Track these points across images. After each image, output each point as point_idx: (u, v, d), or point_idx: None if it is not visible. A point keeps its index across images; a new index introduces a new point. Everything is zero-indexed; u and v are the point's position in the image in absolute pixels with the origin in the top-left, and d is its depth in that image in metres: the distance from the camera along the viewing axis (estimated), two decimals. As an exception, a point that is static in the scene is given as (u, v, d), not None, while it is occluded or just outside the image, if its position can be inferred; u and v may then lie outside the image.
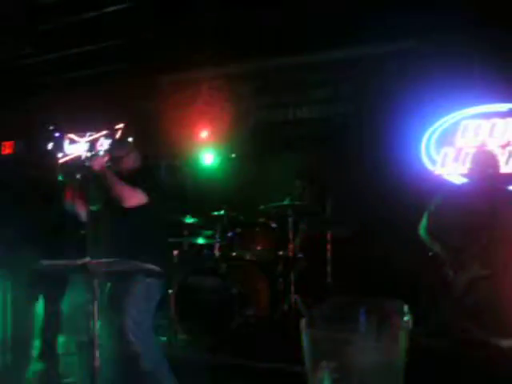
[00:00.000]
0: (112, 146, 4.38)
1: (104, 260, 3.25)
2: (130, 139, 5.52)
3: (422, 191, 5.78)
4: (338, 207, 6.11)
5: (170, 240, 6.00)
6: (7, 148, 6.83)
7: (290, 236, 5.83)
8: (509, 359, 3.71)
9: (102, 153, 4.07)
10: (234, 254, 5.95)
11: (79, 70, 7.27)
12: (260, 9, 6.08)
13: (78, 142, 7.24)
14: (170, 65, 7.34)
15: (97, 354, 3.25)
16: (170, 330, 5.45)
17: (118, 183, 3.76)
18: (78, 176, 3.90)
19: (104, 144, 6.72)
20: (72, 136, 7.25)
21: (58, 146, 6.03)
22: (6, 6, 5.87)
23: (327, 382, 2.64)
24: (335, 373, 2.57)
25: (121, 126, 6.74)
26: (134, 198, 3.76)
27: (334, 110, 7.26)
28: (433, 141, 6.53)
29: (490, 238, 4.25)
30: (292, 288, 5.65)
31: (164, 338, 5.37)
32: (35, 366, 4.74)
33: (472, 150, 6.24)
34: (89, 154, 4.01)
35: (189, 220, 6.14)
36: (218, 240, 5.96)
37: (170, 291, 5.52)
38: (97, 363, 3.23)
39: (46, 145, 5.70)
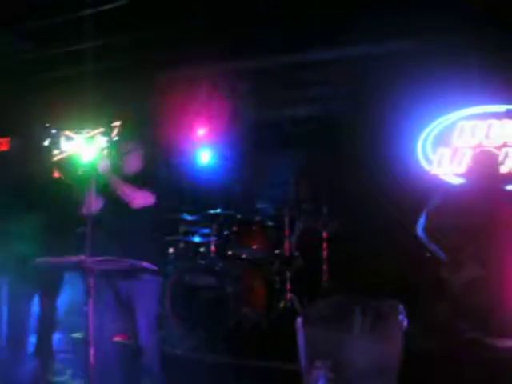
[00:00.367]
0: (118, 143, 4.34)
1: (100, 258, 3.24)
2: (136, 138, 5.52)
3: (418, 191, 5.80)
4: (334, 206, 6.11)
5: (167, 238, 6.03)
6: (3, 144, 6.81)
7: (286, 234, 5.84)
8: (504, 359, 3.72)
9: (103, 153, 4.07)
10: (230, 252, 5.95)
11: (76, 66, 7.24)
12: (258, 6, 6.07)
13: (74, 139, 7.21)
14: (167, 62, 7.32)
15: (92, 351, 3.25)
16: (165, 327, 5.44)
17: (126, 185, 3.78)
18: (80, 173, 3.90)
19: (100, 141, 6.69)
20: (68, 133, 7.22)
21: (55, 143, 6.02)
22: (3, 2, 5.86)
23: (322, 380, 2.65)
24: (330, 372, 2.58)
25: (118, 123, 6.72)
26: (141, 199, 3.80)
27: (331, 108, 7.25)
28: (429, 141, 6.54)
29: (487, 239, 4.26)
30: (288, 287, 5.66)
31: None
32: (30, 363, 4.73)
33: (468, 151, 6.27)
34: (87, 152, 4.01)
35: (185, 218, 6.14)
36: (215, 238, 5.96)
37: (164, 289, 5.52)
38: (92, 361, 3.24)
39: (41, 141, 5.68)
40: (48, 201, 4.63)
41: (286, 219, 5.82)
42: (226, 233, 6.08)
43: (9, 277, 4.73)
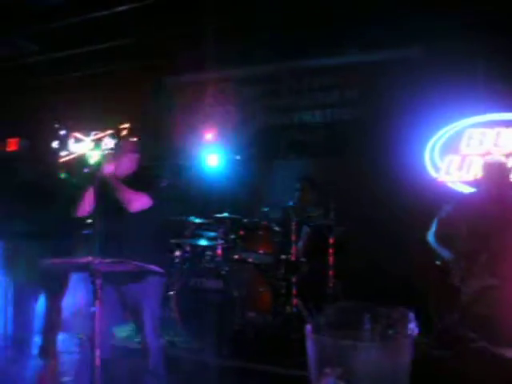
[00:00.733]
0: (117, 143, 4.33)
1: (107, 260, 3.24)
2: (135, 139, 5.50)
3: (426, 198, 5.79)
4: (341, 212, 6.09)
5: (173, 241, 6.02)
6: (12, 145, 6.83)
7: (293, 240, 5.82)
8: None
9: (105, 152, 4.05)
10: (236, 256, 5.93)
11: (86, 69, 7.27)
12: (266, 12, 6.07)
13: (83, 140, 7.23)
14: (177, 66, 7.33)
15: (97, 352, 3.24)
16: (171, 330, 5.44)
17: (124, 189, 3.77)
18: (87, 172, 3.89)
19: (109, 143, 6.71)
20: (77, 134, 7.24)
21: (63, 144, 6.04)
22: (10, 4, 5.87)
23: (332, 388, 2.64)
24: (340, 379, 2.57)
25: (126, 125, 6.73)
26: (139, 202, 3.79)
27: (339, 115, 7.26)
28: (437, 148, 6.52)
29: (499, 248, 4.25)
30: (294, 292, 5.65)
31: (165, 339, 5.36)
32: (35, 363, 4.73)
33: (476, 159, 6.25)
34: (94, 153, 4.00)
35: (192, 221, 6.13)
36: (221, 242, 5.95)
37: (172, 292, 5.52)
38: (97, 362, 3.23)
39: (50, 142, 5.69)
40: (54, 201, 4.63)
41: (293, 224, 5.80)
42: (232, 237, 6.06)
43: (15, 277, 4.74)
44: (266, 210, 6.15)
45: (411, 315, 2.89)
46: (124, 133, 7.02)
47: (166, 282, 5.26)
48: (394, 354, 2.69)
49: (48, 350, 4.87)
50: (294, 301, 5.63)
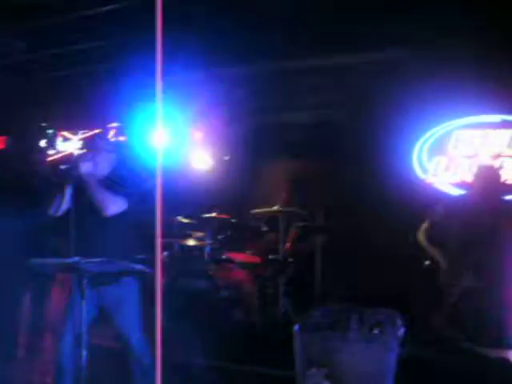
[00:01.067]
0: (94, 141, 4.25)
1: (94, 260, 3.23)
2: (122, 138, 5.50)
3: (414, 199, 5.82)
4: (329, 212, 6.11)
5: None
6: (-1, 143, 6.79)
7: (281, 240, 5.83)
8: (497, 369, 3.73)
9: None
10: (224, 256, 5.94)
11: (73, 67, 7.22)
12: (255, 13, 6.06)
13: (71, 139, 7.19)
14: (165, 66, 7.31)
15: (84, 353, 3.24)
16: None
17: (100, 191, 3.74)
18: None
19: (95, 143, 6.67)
20: (65, 133, 7.20)
21: (51, 143, 6.00)
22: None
23: (318, 388, 2.64)
24: (326, 379, 2.57)
25: (114, 124, 6.71)
26: (114, 206, 3.75)
27: (327, 116, 7.26)
28: (425, 149, 6.55)
29: (488, 250, 4.29)
30: (281, 292, 5.66)
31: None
32: (20, 364, 4.71)
33: (464, 160, 6.29)
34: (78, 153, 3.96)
35: (180, 221, 6.12)
36: (209, 242, 5.94)
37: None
38: (84, 362, 3.23)
39: (37, 141, 5.66)
40: (39, 200, 4.60)
41: (281, 225, 5.81)
42: (220, 237, 6.06)
43: (0, 278, 4.71)
44: (254, 210, 6.15)
45: (398, 316, 2.90)
46: (112, 132, 7.00)
47: (150, 282, 5.24)
48: (380, 354, 2.71)
49: (33, 350, 4.84)
50: (282, 301, 5.64)
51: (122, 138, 4.59)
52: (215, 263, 5.79)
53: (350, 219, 6.23)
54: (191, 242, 6.09)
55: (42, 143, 5.46)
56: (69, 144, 7.02)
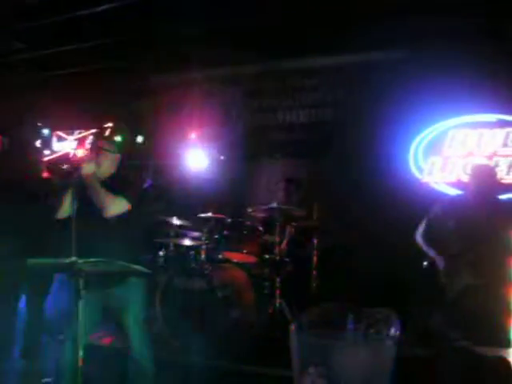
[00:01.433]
0: (97, 143, 4.25)
1: (92, 260, 3.23)
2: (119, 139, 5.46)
3: (410, 199, 5.84)
4: (325, 213, 6.12)
5: (157, 241, 6.00)
6: (-5, 143, 6.77)
7: (277, 240, 5.84)
8: (495, 368, 3.74)
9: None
10: (220, 256, 5.94)
11: (70, 67, 7.22)
12: (250, 14, 6.07)
13: (66, 139, 7.18)
14: (161, 66, 7.31)
15: (80, 353, 3.23)
16: (155, 330, 5.41)
17: (102, 192, 3.74)
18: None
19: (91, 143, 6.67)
20: (60, 133, 7.20)
21: (46, 143, 5.99)
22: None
23: (315, 387, 2.65)
24: (323, 379, 2.58)
25: (110, 124, 6.68)
26: (117, 207, 3.76)
27: (323, 115, 7.28)
28: (420, 149, 6.57)
29: (484, 249, 4.31)
30: (277, 292, 5.66)
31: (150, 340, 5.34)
32: (17, 365, 4.70)
33: (459, 160, 6.31)
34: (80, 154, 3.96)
35: (176, 221, 6.12)
36: (205, 242, 5.93)
37: (154, 292, 5.50)
38: (80, 363, 3.22)
39: (33, 141, 5.64)
40: (35, 201, 4.60)
41: (277, 224, 5.82)
42: (216, 237, 6.06)
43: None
44: (250, 210, 6.15)
45: (394, 315, 2.91)
46: (108, 132, 6.98)
47: (150, 283, 5.25)
48: (377, 353, 2.72)
49: (30, 350, 4.83)
50: (278, 301, 5.64)
51: (119, 139, 4.56)
52: (211, 263, 5.79)
53: (346, 218, 6.24)
54: (187, 242, 6.09)
55: (37, 143, 5.45)
56: (64, 144, 7.03)
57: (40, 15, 6.17)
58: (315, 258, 6.05)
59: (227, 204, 6.52)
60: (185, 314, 5.31)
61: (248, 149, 7.28)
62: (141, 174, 6.15)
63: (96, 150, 3.94)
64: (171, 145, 7.24)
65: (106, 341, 5.22)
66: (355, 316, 2.84)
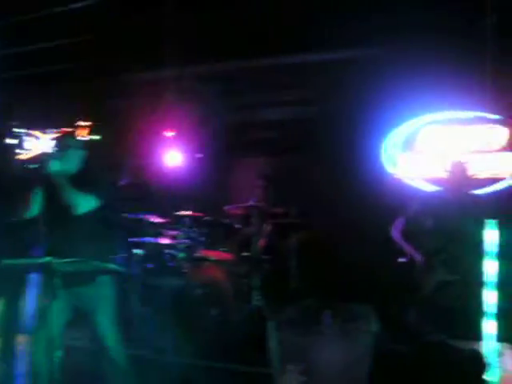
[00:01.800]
0: (62, 140, 4.20)
1: (66, 260, 3.20)
2: (96, 137, 5.45)
3: (387, 194, 5.87)
4: (303, 209, 6.15)
5: (134, 239, 5.97)
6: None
7: (254, 237, 5.85)
8: (470, 361, 3.80)
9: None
10: (198, 254, 5.93)
11: (44, 66, 7.14)
12: (228, 10, 6.06)
13: (41, 138, 7.10)
14: (135, 64, 7.26)
15: (58, 354, 3.21)
16: (133, 329, 5.39)
17: (70, 189, 3.71)
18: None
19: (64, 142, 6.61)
20: (35, 132, 7.11)
21: (20, 142, 5.92)
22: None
23: (294, 384, 2.66)
24: (302, 375, 2.59)
25: (84, 123, 6.65)
26: (85, 204, 3.73)
27: (300, 113, 7.30)
28: (395, 145, 6.60)
29: (460, 245, 4.37)
30: (256, 289, 5.67)
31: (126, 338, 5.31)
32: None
33: (432, 156, 6.36)
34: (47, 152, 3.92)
35: (153, 219, 6.09)
36: (182, 240, 5.92)
37: (131, 290, 5.47)
38: (58, 363, 3.20)
39: (6, 140, 5.58)
40: (9, 200, 4.53)
41: (255, 222, 5.83)
42: (194, 235, 6.05)
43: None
44: (228, 207, 6.15)
45: (371, 311, 2.94)
46: (82, 131, 6.93)
47: (128, 282, 5.22)
48: (355, 349, 2.74)
49: (5, 352, 4.76)
50: (257, 298, 5.66)
51: (90, 136, 4.56)
52: (189, 261, 5.78)
53: (323, 215, 6.27)
54: (165, 240, 6.07)
55: (11, 142, 5.38)
56: (39, 143, 6.94)
57: (11, 13, 6.09)
58: (294, 255, 6.06)
59: (205, 202, 6.51)
60: (163, 313, 5.29)
61: (225, 147, 7.27)
62: (111, 172, 6.09)
63: (62, 147, 3.90)
64: (148, 143, 7.20)
65: (80, 340, 5.18)
66: (333, 312, 2.86)
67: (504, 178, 5.96)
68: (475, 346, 4.07)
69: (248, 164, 7.19)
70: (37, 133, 7.14)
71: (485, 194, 5.74)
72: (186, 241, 5.95)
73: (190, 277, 5.46)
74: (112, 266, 3.48)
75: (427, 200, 4.94)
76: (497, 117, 6.04)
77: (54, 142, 3.94)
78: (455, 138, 6.39)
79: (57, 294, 3.13)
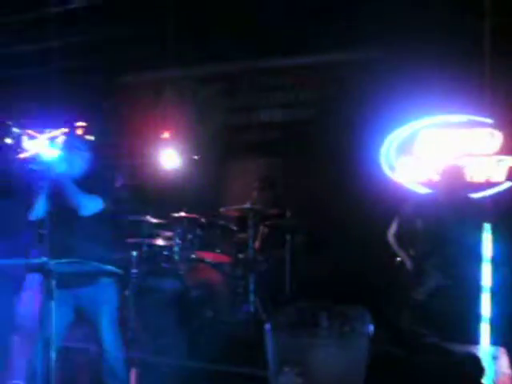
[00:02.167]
0: (68, 141, 4.20)
1: (63, 260, 3.20)
2: (91, 138, 5.45)
3: (384, 198, 5.89)
4: (298, 211, 6.15)
5: (130, 241, 5.96)
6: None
7: (251, 239, 5.85)
8: (465, 364, 3.81)
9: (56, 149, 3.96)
10: (193, 256, 5.93)
11: (40, 65, 7.12)
12: (224, 11, 6.07)
13: (37, 138, 7.09)
14: (132, 64, 7.26)
15: (53, 355, 3.21)
16: (128, 331, 5.38)
17: (76, 191, 3.72)
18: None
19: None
20: (31, 132, 7.09)
21: (17, 142, 5.91)
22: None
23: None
24: (299, 377, 2.60)
25: (81, 123, 6.64)
26: (91, 206, 3.74)
27: (296, 114, 7.31)
28: (392, 148, 6.61)
29: (452, 249, 4.38)
30: (251, 291, 5.67)
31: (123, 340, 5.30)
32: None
33: (430, 160, 6.38)
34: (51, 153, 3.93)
35: (149, 221, 6.09)
36: (178, 241, 5.92)
37: (127, 292, 5.47)
38: (52, 364, 3.20)
39: (3, 140, 5.57)
40: (10, 199, 4.53)
41: (251, 223, 5.83)
42: (189, 236, 6.05)
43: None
44: (223, 209, 6.15)
45: (367, 313, 2.94)
46: (79, 131, 6.92)
47: (124, 283, 5.22)
48: (351, 351, 2.74)
49: (2, 353, 4.75)
50: (252, 300, 5.66)
51: (90, 138, 4.56)
52: (185, 263, 5.78)
53: (320, 217, 6.27)
54: (160, 242, 6.07)
55: (8, 141, 5.37)
56: (35, 143, 6.92)
57: (8, 12, 6.08)
58: (289, 257, 6.06)
59: (201, 203, 6.50)
60: (159, 315, 5.29)
61: (222, 148, 7.27)
62: (114, 173, 6.09)
63: (68, 148, 3.91)
64: (144, 144, 7.20)
65: (79, 342, 5.16)
66: (329, 314, 2.86)
67: (500, 182, 5.98)
68: (471, 350, 4.09)
69: (245, 166, 7.19)
70: (33, 132, 7.13)
71: (480, 198, 5.77)
72: (182, 242, 5.95)
73: (185, 278, 5.46)
74: (110, 267, 3.47)
75: (420, 202, 4.94)
76: (493, 121, 6.06)
77: (57, 143, 3.96)
78: (451, 141, 6.41)
79: (54, 294, 3.12)
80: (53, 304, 3.20)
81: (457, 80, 6.08)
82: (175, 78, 7.53)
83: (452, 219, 4.44)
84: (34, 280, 5.01)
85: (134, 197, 6.46)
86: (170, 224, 6.12)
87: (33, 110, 7.20)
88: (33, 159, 3.93)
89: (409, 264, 4.64)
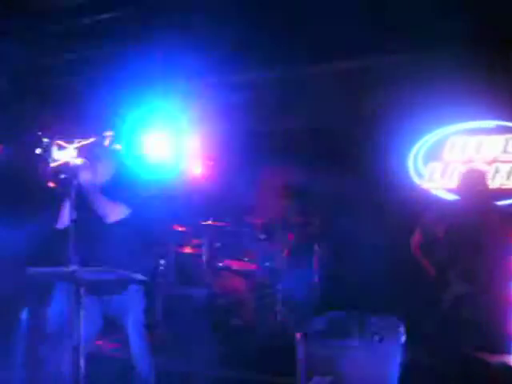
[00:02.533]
0: (95, 150, 4.24)
1: (92, 268, 3.22)
2: (119, 147, 5.48)
3: (410, 205, 5.83)
4: (325, 220, 6.12)
5: (158, 249, 5.99)
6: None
7: (277, 247, 5.83)
8: (496, 375, 3.74)
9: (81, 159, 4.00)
10: (220, 264, 5.93)
11: (70, 75, 7.22)
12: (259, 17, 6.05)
13: (67, 148, 7.16)
14: (160, 74, 7.30)
15: (82, 362, 3.22)
16: (155, 338, 5.39)
17: (102, 198, 3.74)
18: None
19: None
20: (60, 142, 7.17)
21: (46, 152, 5.98)
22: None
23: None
24: (329, 387, 2.58)
25: (110, 133, 6.68)
26: (116, 213, 3.76)
27: (323, 122, 7.27)
28: (421, 155, 6.57)
29: (477, 256, 4.30)
30: (279, 299, 5.65)
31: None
32: (20, 374, 4.67)
33: (459, 166, 6.31)
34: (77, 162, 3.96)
35: (176, 229, 6.11)
36: (205, 250, 5.93)
37: (155, 300, 5.49)
38: (82, 371, 3.21)
39: (33, 150, 5.64)
40: (38, 209, 4.59)
41: (278, 232, 5.82)
42: (217, 244, 6.06)
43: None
44: (250, 217, 6.15)
45: (399, 323, 2.90)
46: (106, 140, 6.98)
47: (151, 291, 5.24)
48: (382, 361, 2.71)
49: (31, 360, 4.80)
50: (279, 309, 5.64)
51: (117, 146, 4.59)
52: (212, 271, 5.79)
53: (347, 225, 6.23)
54: (188, 250, 6.09)
55: (38, 152, 5.44)
56: (64, 153, 7.00)
57: (42, 21, 6.16)
58: (316, 266, 6.03)
59: (228, 212, 6.51)
60: (186, 322, 5.30)
61: (249, 155, 7.26)
62: (140, 181, 6.14)
63: (93, 157, 3.95)
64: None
65: (107, 349, 5.19)
66: (359, 324, 2.83)
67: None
68: (504, 359, 4.00)
69: (272, 174, 7.17)
70: (62, 142, 7.21)
71: (508, 205, 5.68)
72: (210, 250, 5.96)
73: (212, 286, 5.46)
74: (137, 275, 3.49)
75: (443, 209, 4.86)
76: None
77: (82, 152, 4.00)
78: (481, 147, 6.35)
79: (83, 302, 3.14)
80: (82, 312, 3.21)
81: (484, 86, 6.01)
82: (205, 86, 7.54)
83: (473, 226, 4.34)
84: (63, 288, 5.06)
85: (163, 205, 6.49)
86: (198, 232, 6.14)
87: (63, 120, 7.28)
88: (61, 169, 3.97)
89: (431, 273, 4.57)
